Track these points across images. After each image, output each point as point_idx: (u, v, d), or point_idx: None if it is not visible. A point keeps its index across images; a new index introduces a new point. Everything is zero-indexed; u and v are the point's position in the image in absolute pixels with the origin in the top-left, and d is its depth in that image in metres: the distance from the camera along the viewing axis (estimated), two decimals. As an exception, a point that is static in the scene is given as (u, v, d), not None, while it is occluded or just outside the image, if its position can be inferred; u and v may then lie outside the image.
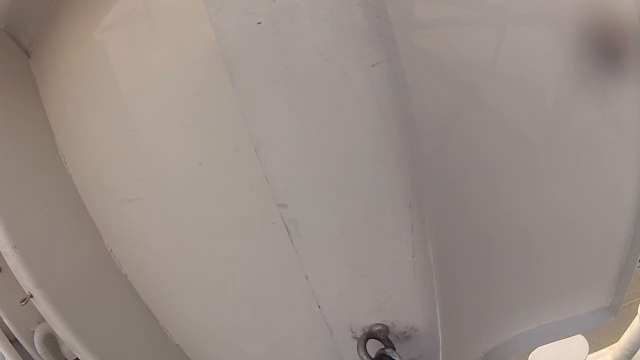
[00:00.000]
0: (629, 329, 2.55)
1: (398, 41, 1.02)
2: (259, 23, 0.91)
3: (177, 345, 1.66)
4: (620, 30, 1.24)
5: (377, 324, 1.13)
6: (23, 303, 1.42)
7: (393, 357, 1.06)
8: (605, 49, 1.23)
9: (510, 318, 1.52)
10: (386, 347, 1.09)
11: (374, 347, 1.08)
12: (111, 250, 1.57)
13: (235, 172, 1.28)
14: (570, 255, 1.47)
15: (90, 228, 1.56)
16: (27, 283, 1.37)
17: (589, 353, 2.96)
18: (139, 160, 1.40)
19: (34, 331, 1.72)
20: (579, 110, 1.27)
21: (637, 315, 2.44)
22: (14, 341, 1.76)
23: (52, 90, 1.50)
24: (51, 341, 1.76)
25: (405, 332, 1.15)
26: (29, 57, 1.52)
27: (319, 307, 1.15)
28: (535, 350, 2.86)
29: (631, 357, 2.57)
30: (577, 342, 2.92)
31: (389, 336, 1.13)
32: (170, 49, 1.25)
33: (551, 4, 1.17)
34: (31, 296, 1.38)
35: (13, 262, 1.35)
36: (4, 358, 1.76)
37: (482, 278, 1.40)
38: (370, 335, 1.11)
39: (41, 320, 1.66)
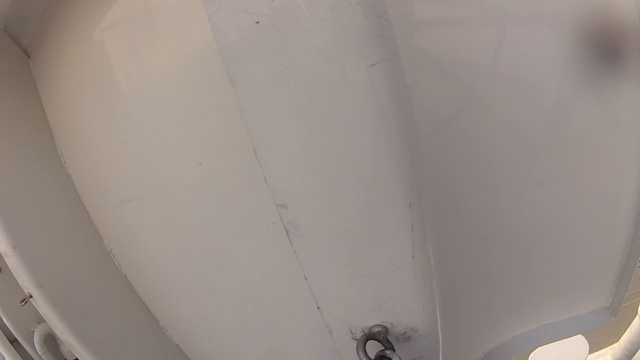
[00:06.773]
0: (629, 329, 2.55)
1: (398, 41, 1.02)
2: (257, 22, 0.90)
3: (177, 345, 1.66)
4: (620, 30, 1.24)
5: (377, 325, 1.13)
6: (23, 303, 1.42)
7: (393, 359, 1.05)
8: (605, 49, 1.23)
9: (510, 318, 1.52)
10: (386, 348, 1.09)
11: (373, 348, 1.08)
12: (110, 251, 1.57)
13: (236, 172, 1.27)
14: (570, 255, 1.46)
15: (90, 228, 1.56)
16: (26, 283, 1.36)
17: (589, 353, 2.96)
18: (138, 160, 1.40)
19: (33, 331, 1.71)
20: (578, 110, 1.27)
21: (637, 316, 2.44)
22: (14, 341, 1.76)
23: (51, 90, 1.50)
24: (51, 341, 1.76)
25: (405, 333, 1.15)
26: (29, 57, 1.51)
27: (319, 307, 1.15)
28: (535, 351, 2.86)
29: (631, 357, 2.56)
30: (577, 342, 2.91)
31: (388, 337, 1.13)
32: (170, 49, 1.25)
33: (551, 4, 1.17)
34: (31, 296, 1.38)
35: (12, 262, 1.34)
36: (4, 358, 1.76)
37: (482, 278, 1.39)
38: (369, 336, 1.11)
39: (41, 320, 1.66)
